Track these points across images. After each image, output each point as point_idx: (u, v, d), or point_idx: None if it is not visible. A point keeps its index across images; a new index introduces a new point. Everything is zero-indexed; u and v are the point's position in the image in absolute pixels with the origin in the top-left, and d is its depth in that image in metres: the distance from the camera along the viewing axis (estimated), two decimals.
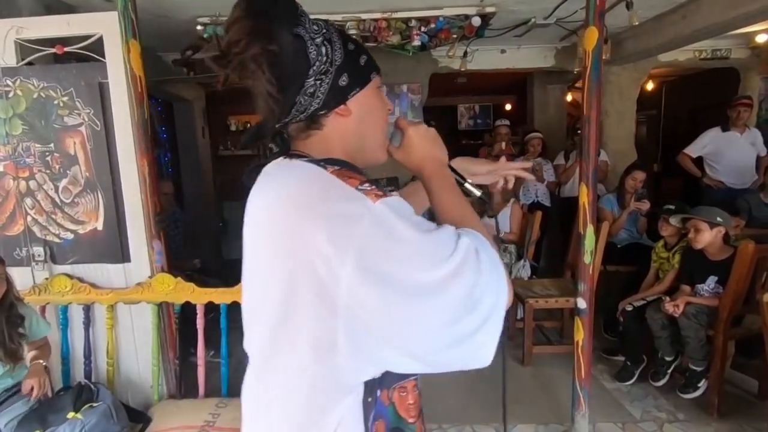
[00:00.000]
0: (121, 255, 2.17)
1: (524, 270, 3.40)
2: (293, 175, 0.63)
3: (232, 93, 5.55)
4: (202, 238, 4.84)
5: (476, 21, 2.92)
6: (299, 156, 0.67)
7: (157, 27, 2.01)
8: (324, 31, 0.66)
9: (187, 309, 2.17)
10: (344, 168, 0.63)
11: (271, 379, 0.62)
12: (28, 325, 1.72)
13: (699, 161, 4.07)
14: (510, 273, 3.34)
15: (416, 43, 3.11)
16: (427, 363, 0.57)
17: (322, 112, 0.67)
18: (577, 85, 5.59)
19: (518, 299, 2.99)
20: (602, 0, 1.84)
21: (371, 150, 0.74)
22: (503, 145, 4.21)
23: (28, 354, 1.81)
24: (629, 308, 2.65)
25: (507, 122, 4.45)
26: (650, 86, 5.70)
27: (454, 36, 3.19)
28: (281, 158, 0.68)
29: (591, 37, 1.85)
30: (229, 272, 4.46)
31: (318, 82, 0.65)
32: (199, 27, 2.85)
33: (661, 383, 2.51)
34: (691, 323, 2.32)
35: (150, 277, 2.14)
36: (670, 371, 2.52)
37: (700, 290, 2.48)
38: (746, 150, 3.98)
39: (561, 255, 3.58)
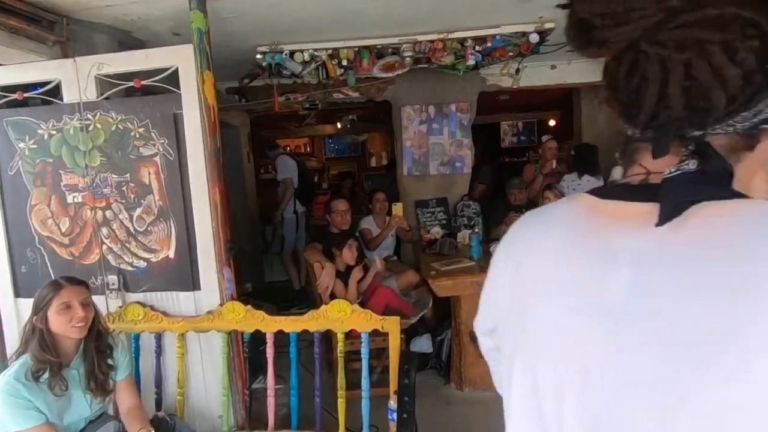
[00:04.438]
0: (192, 283, 2.17)
1: None
2: None
3: (274, 118, 5.64)
4: (248, 262, 4.88)
5: (534, 38, 2.87)
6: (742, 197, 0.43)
7: (217, 58, 2.07)
8: None
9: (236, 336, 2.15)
10: None
11: None
12: (116, 356, 1.72)
13: None
14: None
15: (470, 62, 3.07)
16: None
17: (766, 126, 0.44)
18: None
19: None
20: None
21: None
22: (554, 163, 4.10)
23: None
24: None
25: (553, 138, 4.37)
26: None
27: (510, 54, 3.14)
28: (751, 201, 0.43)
29: None
30: (276, 295, 4.52)
31: None
32: (258, 55, 2.90)
33: None
34: None
35: (220, 305, 2.13)
36: None
37: None
38: None
39: None
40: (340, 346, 2.09)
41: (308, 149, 7.86)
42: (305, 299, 4.42)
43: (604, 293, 0.46)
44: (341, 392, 2.07)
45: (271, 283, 5.56)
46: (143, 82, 2.08)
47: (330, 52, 2.96)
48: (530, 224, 0.58)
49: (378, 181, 6.00)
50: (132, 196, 2.15)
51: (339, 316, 2.07)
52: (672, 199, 0.43)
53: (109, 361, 1.67)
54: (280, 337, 2.14)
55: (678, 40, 0.40)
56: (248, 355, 2.22)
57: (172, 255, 2.17)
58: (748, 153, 0.46)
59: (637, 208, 0.46)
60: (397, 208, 3.59)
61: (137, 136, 2.12)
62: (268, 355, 2.11)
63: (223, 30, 2.53)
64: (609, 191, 0.50)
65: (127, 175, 2.14)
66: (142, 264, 2.19)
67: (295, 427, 2.11)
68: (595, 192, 0.51)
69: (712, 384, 0.40)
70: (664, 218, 0.43)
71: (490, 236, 3.69)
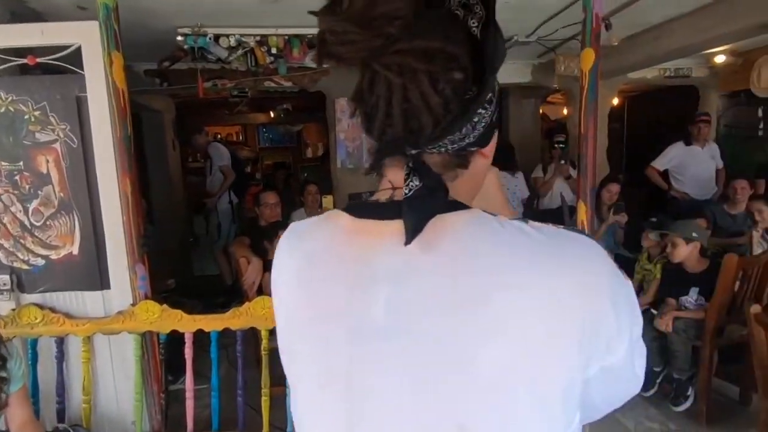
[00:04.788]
0: (100, 282, 2.00)
1: None
2: (592, 254, 0.47)
3: (203, 105, 5.35)
4: (173, 255, 4.60)
5: None
6: (463, 208, 0.48)
7: (133, 36, 1.91)
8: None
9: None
10: None
11: None
12: (10, 367, 1.52)
13: (664, 173, 4.28)
14: None
15: None
16: None
17: (473, 149, 0.49)
18: (552, 99, 5.77)
19: None
20: (598, 23, 1.88)
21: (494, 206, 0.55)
22: None
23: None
24: None
25: None
26: (615, 101, 5.96)
27: None
28: (490, 216, 0.47)
29: (588, 58, 1.88)
30: (202, 290, 4.29)
31: (484, 110, 0.48)
32: (179, 38, 2.71)
33: (650, 393, 2.57)
34: (680, 338, 2.39)
35: (132, 305, 1.98)
36: (659, 381, 2.58)
37: (684, 303, 2.56)
38: (707, 163, 4.23)
39: None
40: (264, 343, 2.04)
41: (241, 138, 7.55)
42: (240, 295, 4.25)
43: (368, 315, 0.47)
44: (265, 390, 2.03)
45: (203, 277, 5.28)
46: (39, 60, 1.87)
47: (258, 38, 2.84)
48: (294, 254, 0.56)
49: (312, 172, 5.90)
50: (27, 186, 1.93)
51: (263, 312, 2.01)
52: (412, 217, 0.45)
53: (2, 374, 1.48)
54: (206, 335, 2.04)
55: (398, 65, 0.43)
56: (164, 356, 2.09)
57: (76, 251, 1.99)
58: (464, 170, 0.50)
59: (388, 226, 0.47)
60: (327, 201, 3.56)
61: (32, 119, 1.90)
62: (186, 356, 2.00)
63: (136, 7, 2.34)
64: (363, 209, 0.51)
65: (21, 163, 1.92)
66: (40, 262, 1.98)
67: (216, 429, 2.04)
68: (351, 210, 0.52)
69: (471, 392, 0.44)
70: (409, 236, 0.45)
71: None
